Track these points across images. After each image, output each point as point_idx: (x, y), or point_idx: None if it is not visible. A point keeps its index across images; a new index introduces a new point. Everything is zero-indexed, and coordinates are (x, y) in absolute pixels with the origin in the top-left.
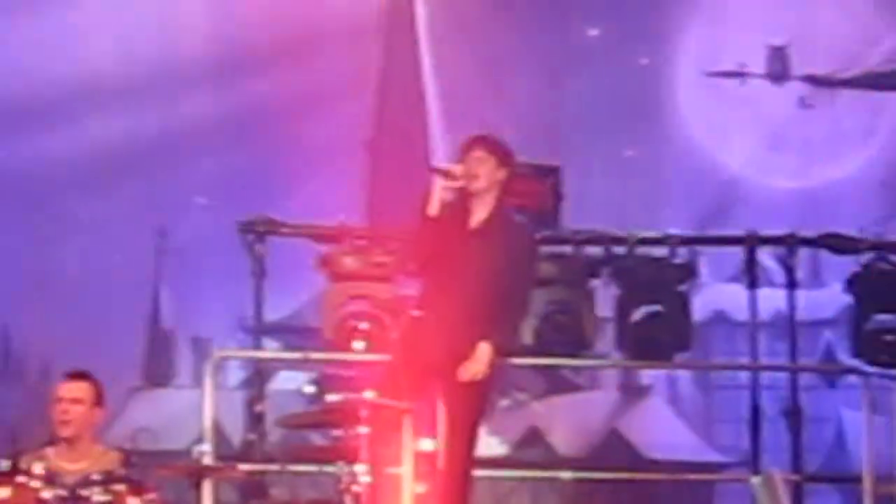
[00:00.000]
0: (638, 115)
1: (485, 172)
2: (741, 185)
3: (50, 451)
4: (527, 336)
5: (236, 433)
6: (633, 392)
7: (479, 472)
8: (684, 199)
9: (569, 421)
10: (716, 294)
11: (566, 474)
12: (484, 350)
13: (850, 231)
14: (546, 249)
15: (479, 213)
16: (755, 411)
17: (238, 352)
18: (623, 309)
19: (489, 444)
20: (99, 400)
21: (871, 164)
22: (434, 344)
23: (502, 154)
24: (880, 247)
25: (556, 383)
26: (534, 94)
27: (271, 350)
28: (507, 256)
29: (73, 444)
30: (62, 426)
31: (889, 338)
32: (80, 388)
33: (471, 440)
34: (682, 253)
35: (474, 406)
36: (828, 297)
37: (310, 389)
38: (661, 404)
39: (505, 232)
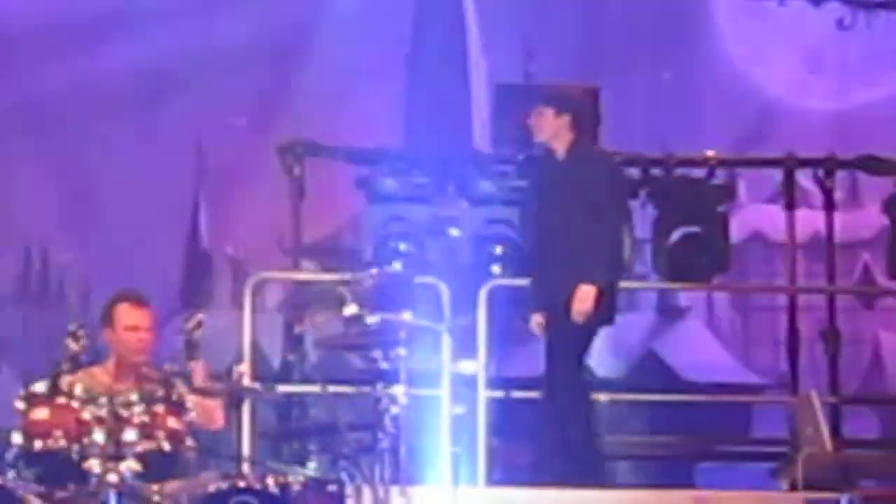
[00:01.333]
0: (677, 37)
1: (544, 124)
2: (779, 106)
3: (96, 370)
4: None
5: (275, 355)
6: (670, 314)
7: (516, 394)
8: (722, 121)
9: (606, 343)
10: (754, 215)
11: (603, 396)
12: (586, 291)
13: (888, 153)
14: None
15: (560, 156)
16: (793, 333)
17: (277, 273)
18: (661, 230)
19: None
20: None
21: None
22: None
23: (559, 104)
24: None
25: None
26: (573, 14)
27: (310, 271)
28: (591, 186)
29: (124, 367)
30: (138, 353)
31: None
32: (151, 316)
33: (574, 370)
34: (721, 174)
35: (577, 338)
36: (865, 219)
37: (349, 311)
38: (698, 326)
39: (584, 164)
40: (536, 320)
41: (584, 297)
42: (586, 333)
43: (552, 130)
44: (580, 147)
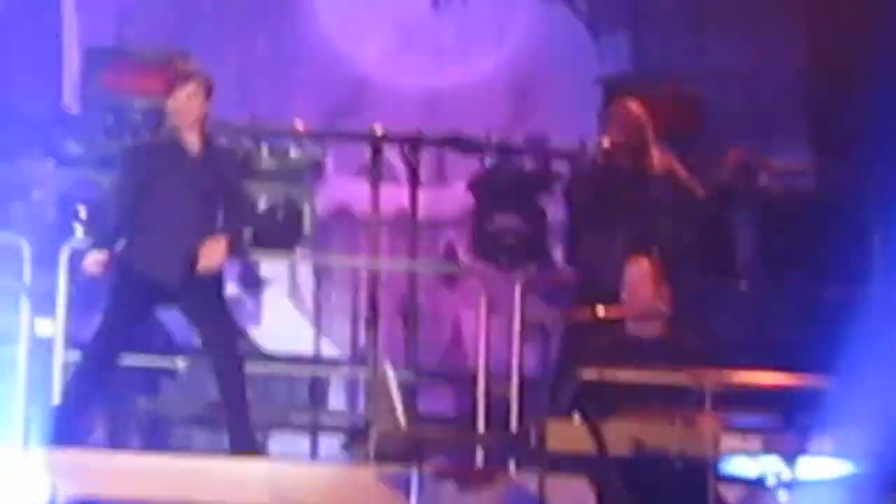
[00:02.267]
0: (271, 7)
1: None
2: (372, 82)
3: None
4: None
5: None
6: (252, 284)
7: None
8: (314, 94)
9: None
10: (340, 189)
11: (181, 363)
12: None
13: (477, 133)
14: None
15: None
16: (373, 308)
17: None
18: None
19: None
20: None
21: (501, 67)
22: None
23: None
24: (504, 149)
25: None
26: None
27: None
28: (224, 184)
29: None
30: None
31: (508, 239)
32: None
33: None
34: (309, 147)
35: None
36: (451, 197)
37: None
38: (280, 297)
39: (219, 160)
40: (94, 259)
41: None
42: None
43: (197, 115)
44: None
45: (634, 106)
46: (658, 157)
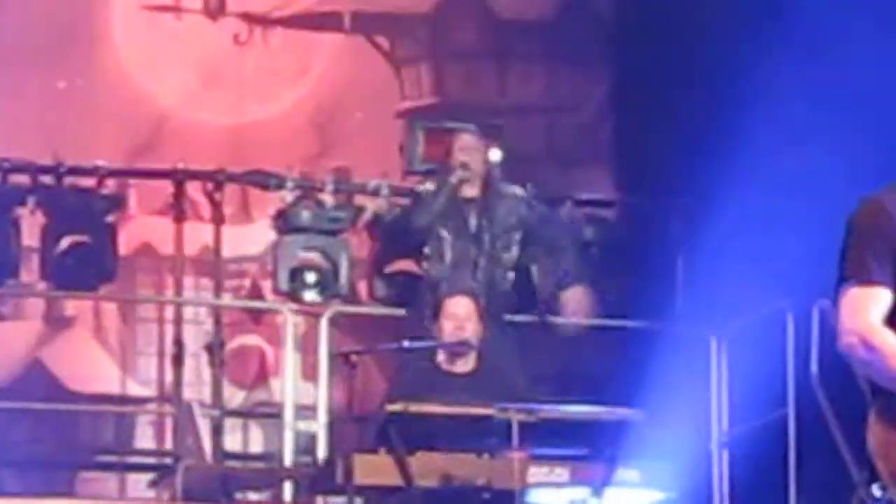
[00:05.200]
0: (72, 45)
1: None
2: (173, 119)
3: None
4: None
5: None
6: (57, 323)
7: None
8: (116, 131)
9: None
10: (143, 227)
11: None
12: None
13: (279, 168)
14: None
15: None
16: (178, 345)
17: None
18: (49, 238)
19: None
20: None
21: (302, 102)
22: None
23: None
24: (306, 184)
25: None
26: None
27: None
28: None
29: None
30: None
31: (312, 275)
32: None
33: None
34: (111, 184)
35: None
36: (254, 233)
37: None
38: (85, 336)
39: None
40: None
41: None
42: None
43: None
44: None
45: (476, 136)
46: (499, 188)
